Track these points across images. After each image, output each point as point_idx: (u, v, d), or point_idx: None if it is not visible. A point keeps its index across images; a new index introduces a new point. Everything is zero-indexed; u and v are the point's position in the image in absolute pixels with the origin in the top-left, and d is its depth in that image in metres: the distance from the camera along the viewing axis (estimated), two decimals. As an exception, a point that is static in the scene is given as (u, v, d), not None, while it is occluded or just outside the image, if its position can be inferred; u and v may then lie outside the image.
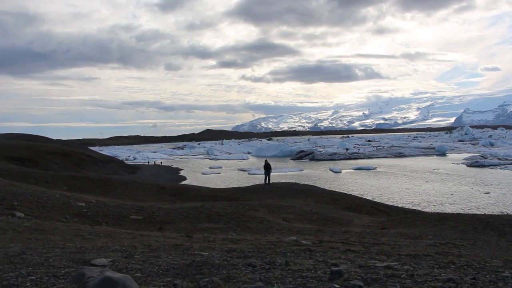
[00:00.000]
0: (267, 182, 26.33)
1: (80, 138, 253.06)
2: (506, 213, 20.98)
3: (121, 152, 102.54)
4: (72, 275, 3.27)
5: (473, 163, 53.97)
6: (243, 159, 78.06)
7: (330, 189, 28.93)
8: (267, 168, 26.54)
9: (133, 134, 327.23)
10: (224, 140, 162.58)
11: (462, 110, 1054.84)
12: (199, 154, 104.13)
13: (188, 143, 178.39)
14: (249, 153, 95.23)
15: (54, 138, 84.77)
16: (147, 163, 70.17)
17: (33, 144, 46.32)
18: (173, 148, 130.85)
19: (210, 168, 61.03)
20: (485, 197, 29.48)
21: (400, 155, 74.61)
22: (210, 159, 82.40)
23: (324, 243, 6.01)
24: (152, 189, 23.39)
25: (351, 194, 26.14)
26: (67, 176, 23.05)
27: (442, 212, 20.48)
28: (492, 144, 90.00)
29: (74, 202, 12.41)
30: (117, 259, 4.05)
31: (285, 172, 49.66)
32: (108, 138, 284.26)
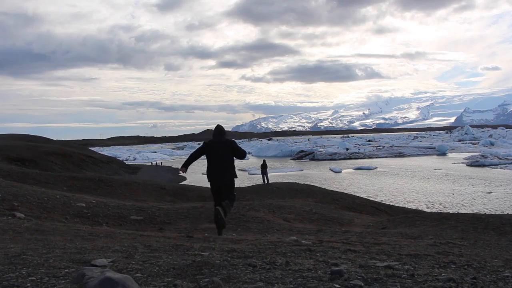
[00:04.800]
0: (266, 182, 26.40)
1: (80, 138, 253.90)
2: (506, 213, 20.98)
3: (121, 153, 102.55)
4: (73, 275, 3.27)
5: (474, 163, 53.98)
6: (243, 159, 78.03)
7: (330, 189, 28.92)
8: (264, 168, 26.76)
9: (133, 135, 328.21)
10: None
11: (462, 110, 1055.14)
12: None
13: (188, 143, 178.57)
14: (249, 153, 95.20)
15: (55, 138, 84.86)
16: (150, 164, 70.18)
17: (33, 145, 46.33)
18: (173, 149, 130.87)
19: (210, 168, 60.95)
20: (487, 197, 29.47)
21: (400, 155, 74.60)
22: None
23: (324, 243, 6.01)
24: (153, 190, 23.39)
25: (351, 194, 26.14)
26: (68, 177, 23.05)
27: (443, 211, 20.48)
28: (492, 144, 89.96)
29: (75, 203, 12.41)
30: (117, 260, 4.06)
31: (285, 172, 49.68)
32: (108, 138, 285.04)
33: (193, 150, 7.00)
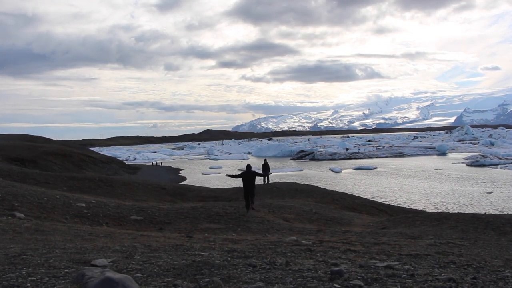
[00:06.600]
0: (266, 182, 26.27)
1: (80, 138, 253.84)
2: (506, 213, 20.97)
3: (121, 153, 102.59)
4: (73, 275, 3.27)
5: (474, 163, 53.96)
6: (243, 159, 78.05)
7: (330, 189, 28.91)
8: (266, 169, 26.46)
9: (133, 135, 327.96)
10: (224, 140, 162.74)
11: (462, 110, 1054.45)
12: (199, 155, 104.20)
13: (188, 143, 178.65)
14: (249, 153, 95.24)
15: (54, 138, 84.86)
16: (150, 164, 70.24)
17: (33, 145, 46.34)
18: (173, 149, 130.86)
19: (210, 168, 61.02)
20: (488, 197, 29.44)
21: (400, 155, 74.61)
22: (210, 159, 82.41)
23: (324, 243, 6.01)
24: (153, 190, 23.38)
25: (351, 194, 26.13)
26: (67, 177, 23.05)
27: (443, 211, 20.48)
28: (492, 144, 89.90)
29: (75, 203, 12.41)
30: (117, 260, 4.06)
31: (285, 172, 49.66)
32: (108, 138, 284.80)
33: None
